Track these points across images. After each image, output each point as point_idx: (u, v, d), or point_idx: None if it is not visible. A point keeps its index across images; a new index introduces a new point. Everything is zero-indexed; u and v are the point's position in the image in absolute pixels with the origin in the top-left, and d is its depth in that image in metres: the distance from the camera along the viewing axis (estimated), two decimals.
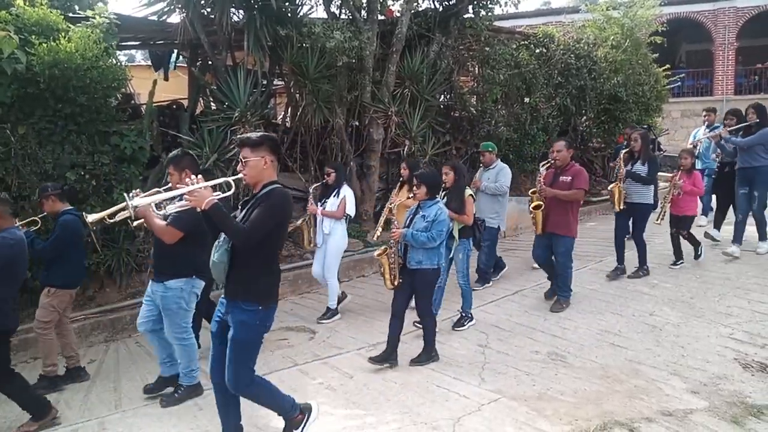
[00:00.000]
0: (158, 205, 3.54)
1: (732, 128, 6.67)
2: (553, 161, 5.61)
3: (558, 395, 3.91)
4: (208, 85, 8.19)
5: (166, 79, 10.26)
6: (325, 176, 6.11)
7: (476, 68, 10.02)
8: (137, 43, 10.23)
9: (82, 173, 6.00)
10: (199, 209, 3.01)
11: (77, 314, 6.08)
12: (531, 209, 5.65)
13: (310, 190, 6.27)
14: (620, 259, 6.46)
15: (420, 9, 9.20)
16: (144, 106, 7.68)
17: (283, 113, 9.92)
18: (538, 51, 10.41)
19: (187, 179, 3.09)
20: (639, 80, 11.76)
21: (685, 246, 6.72)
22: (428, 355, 4.61)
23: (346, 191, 5.99)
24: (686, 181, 6.42)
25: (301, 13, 8.12)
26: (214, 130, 7.01)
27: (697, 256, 6.68)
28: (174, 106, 10.00)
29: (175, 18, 7.84)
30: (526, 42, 10.51)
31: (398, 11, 8.96)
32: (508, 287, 6.49)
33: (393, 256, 4.58)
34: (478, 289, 6.36)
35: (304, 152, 8.52)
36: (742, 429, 3.38)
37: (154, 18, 7.82)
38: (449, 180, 5.23)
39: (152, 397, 4.40)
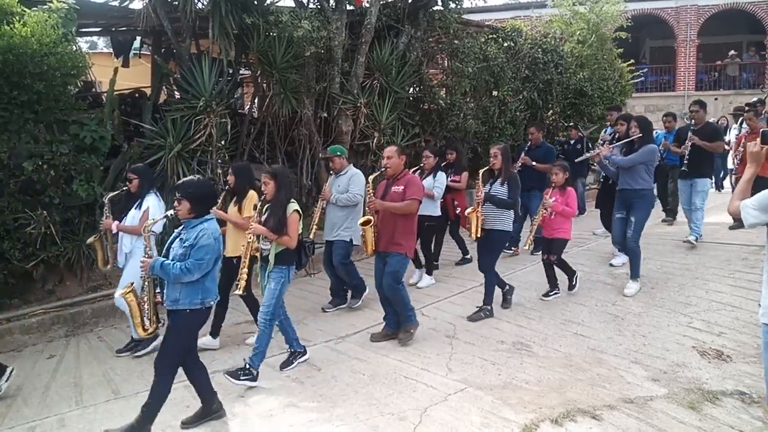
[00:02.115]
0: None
1: (614, 144, 6.03)
2: (384, 169, 4.92)
3: (523, 384, 3.97)
4: (171, 73, 8.00)
5: (125, 65, 9.99)
6: (127, 182, 5.15)
7: (445, 61, 10.05)
8: (98, 29, 9.94)
9: (40, 163, 5.80)
10: None
11: (36, 308, 5.91)
12: (360, 225, 4.98)
13: (105, 200, 5.17)
14: (498, 288, 5.52)
15: (389, 0, 9.17)
16: (105, 95, 7.46)
17: (249, 103, 9.77)
18: (506, 45, 10.50)
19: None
20: (604, 75, 11.98)
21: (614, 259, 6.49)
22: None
23: (151, 201, 5.02)
24: (558, 200, 5.56)
25: (268, 1, 8.00)
26: (178, 119, 6.85)
27: (571, 287, 5.78)
28: (136, 95, 9.77)
29: (138, 4, 7.66)
30: (494, 36, 10.59)
31: (367, 1, 8.90)
32: (475, 279, 6.54)
33: (146, 291, 3.71)
34: (330, 311, 5.83)
35: (272, 143, 8.42)
36: (699, 414, 3.48)
37: (116, 4, 7.60)
38: (269, 191, 4.26)
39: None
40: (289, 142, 8.42)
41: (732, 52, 18.99)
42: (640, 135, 5.69)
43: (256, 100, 8.98)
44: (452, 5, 9.22)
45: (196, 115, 6.82)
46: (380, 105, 8.33)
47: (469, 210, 5.35)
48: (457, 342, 4.80)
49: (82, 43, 12.83)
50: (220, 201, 4.95)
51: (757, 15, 18.64)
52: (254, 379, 4.15)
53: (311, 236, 5.66)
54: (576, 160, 6.63)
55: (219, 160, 7.08)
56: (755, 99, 9.38)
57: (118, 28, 9.66)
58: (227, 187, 5.32)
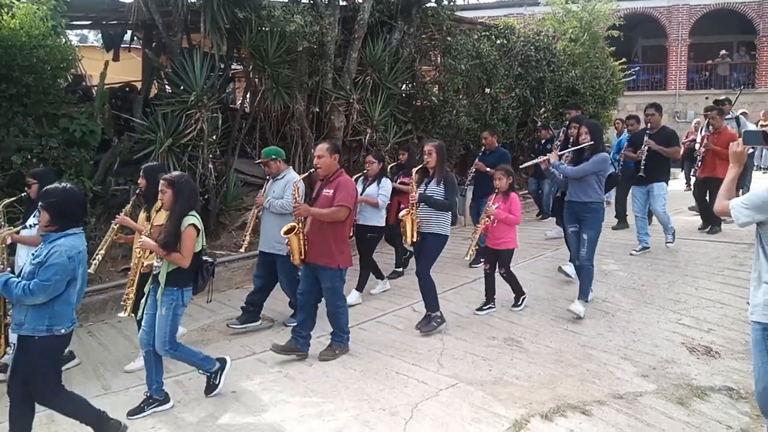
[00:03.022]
0: None
1: (564, 151, 5.55)
2: (314, 169, 4.49)
3: (513, 379, 3.98)
4: (162, 67, 7.95)
5: (115, 59, 9.91)
6: (26, 188, 4.81)
7: (438, 58, 10.03)
8: (88, 22, 9.85)
9: (29, 157, 5.76)
10: None
11: None
12: (283, 234, 4.47)
13: (1, 207, 4.73)
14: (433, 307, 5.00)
15: None
16: (95, 88, 7.39)
17: (241, 98, 9.73)
18: (499, 42, 10.49)
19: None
20: (596, 73, 12.02)
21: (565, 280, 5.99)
22: None
23: None
24: (501, 206, 5.19)
25: None
26: (168, 114, 6.80)
27: (516, 305, 5.37)
28: (127, 89, 9.70)
29: None
30: (487, 33, 10.58)
31: None
32: (467, 275, 6.56)
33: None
34: (291, 324, 5.12)
35: (264, 138, 8.37)
36: (688, 410, 3.51)
37: None
38: (165, 201, 3.81)
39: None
40: (281, 138, 8.38)
41: (723, 51, 19.11)
42: (591, 142, 5.11)
43: (248, 95, 8.94)
44: (445, 2, 9.21)
45: (188, 109, 6.77)
46: (373, 101, 8.31)
47: (402, 213, 4.91)
48: (448, 338, 4.81)
49: (72, 37, 12.73)
50: (129, 206, 4.54)
51: (748, 15, 18.76)
52: (163, 403, 3.86)
53: (243, 248, 5.45)
54: (521, 167, 6.23)
55: (210, 156, 7.05)
56: (723, 98, 8.87)
57: (109, 22, 9.58)
58: (138, 191, 4.84)
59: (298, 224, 4.40)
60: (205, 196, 7.27)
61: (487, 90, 10.28)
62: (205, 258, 4.02)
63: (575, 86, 11.35)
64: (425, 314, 4.97)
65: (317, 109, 8.37)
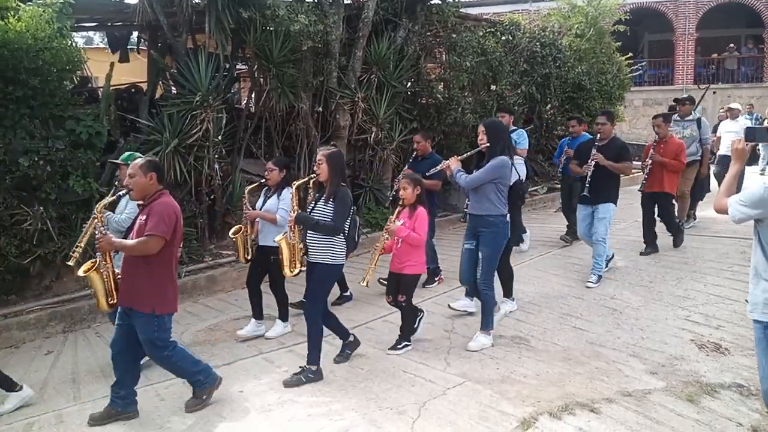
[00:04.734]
0: None
1: (462, 156, 4.74)
2: (128, 191, 3.79)
3: (521, 378, 3.96)
4: (167, 68, 7.96)
5: (121, 60, 9.94)
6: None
7: (443, 55, 10.01)
8: (94, 24, 9.89)
9: (36, 159, 5.76)
10: None
11: (34, 304, 5.90)
12: (82, 273, 3.78)
13: None
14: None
15: None
16: (101, 90, 7.42)
17: (246, 98, 9.74)
18: (504, 38, 10.46)
19: None
20: (602, 69, 11.97)
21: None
22: None
23: None
24: (407, 222, 4.42)
25: None
26: (174, 114, 6.82)
27: (397, 347, 4.50)
28: (132, 90, 9.71)
29: None
30: (492, 29, 10.56)
31: None
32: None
33: None
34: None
35: (269, 138, 8.39)
36: (697, 407, 3.49)
37: None
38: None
39: None
40: (287, 137, 8.39)
41: (730, 45, 18.97)
42: (487, 145, 4.40)
43: (252, 95, 8.95)
44: None
45: (193, 110, 6.78)
46: (378, 99, 8.30)
47: (278, 237, 4.33)
48: (455, 336, 4.80)
49: (78, 39, 12.78)
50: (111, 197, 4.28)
51: (756, 8, 18.62)
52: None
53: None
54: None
55: (216, 156, 7.06)
56: (685, 96, 7.91)
57: (114, 23, 9.61)
58: None
59: (100, 260, 3.76)
60: (211, 197, 7.29)
61: (493, 87, 10.24)
62: None
63: (581, 82, 11.30)
64: (300, 368, 4.15)
65: (321, 109, 8.37)
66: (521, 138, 6.87)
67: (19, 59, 5.44)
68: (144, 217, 3.62)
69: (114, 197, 4.25)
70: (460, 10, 9.87)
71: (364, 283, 4.43)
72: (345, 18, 8.12)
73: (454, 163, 4.53)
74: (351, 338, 4.46)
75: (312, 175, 4.39)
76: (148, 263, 3.59)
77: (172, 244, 3.64)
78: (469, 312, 5.16)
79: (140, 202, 3.77)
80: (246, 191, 5.10)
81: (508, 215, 4.55)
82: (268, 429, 3.55)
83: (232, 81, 8.75)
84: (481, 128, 4.49)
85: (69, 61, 5.88)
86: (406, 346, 4.52)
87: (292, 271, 4.29)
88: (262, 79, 8.08)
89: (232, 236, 5.03)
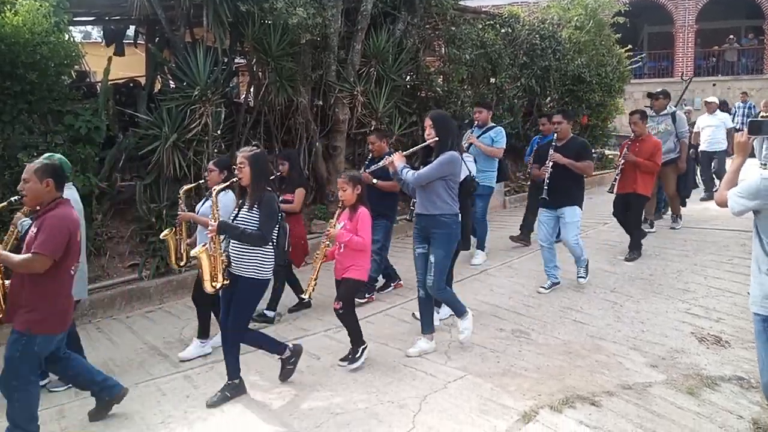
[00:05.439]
0: None
1: (407, 152, 4.38)
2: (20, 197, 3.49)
3: (522, 371, 3.97)
4: (166, 62, 7.93)
5: (119, 54, 9.90)
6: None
7: (442, 48, 9.98)
8: (91, 18, 9.84)
9: (35, 154, 5.73)
10: None
11: None
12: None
13: None
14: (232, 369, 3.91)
15: None
16: (99, 85, 7.39)
17: (245, 92, 9.70)
18: (503, 31, 10.43)
19: None
20: (602, 61, 11.93)
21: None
22: None
23: None
24: (347, 226, 4.09)
25: None
26: (173, 109, 6.79)
27: (352, 359, 4.13)
28: (131, 84, 9.67)
29: None
30: (491, 22, 10.52)
31: None
32: (473, 268, 6.54)
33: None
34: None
35: (268, 132, 8.36)
36: (698, 400, 3.49)
37: None
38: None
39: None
40: (286, 131, 8.37)
41: (730, 36, 18.90)
42: (436, 139, 4.09)
43: (251, 89, 8.92)
44: None
45: (192, 104, 6.75)
46: (377, 93, 8.28)
47: (196, 249, 3.89)
48: (456, 330, 4.79)
49: (76, 33, 12.71)
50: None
51: None
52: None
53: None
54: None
55: (215, 150, 7.03)
56: (659, 90, 7.62)
57: (112, 17, 9.55)
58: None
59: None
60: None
61: (492, 80, 10.22)
62: None
63: (581, 74, 11.28)
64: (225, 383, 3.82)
65: (321, 102, 8.35)
66: (499, 136, 6.46)
67: (17, 54, 5.40)
68: (35, 229, 3.21)
69: (4, 204, 3.85)
70: (459, 2, 9.82)
71: (306, 296, 4.21)
72: (343, 11, 8.07)
73: (398, 159, 4.16)
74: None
75: (201, 181, 4.12)
76: (33, 280, 3.21)
77: (64, 262, 3.23)
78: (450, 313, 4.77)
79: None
80: (181, 192, 4.78)
81: (459, 215, 4.24)
82: (269, 423, 3.55)
83: (230, 75, 8.71)
84: (427, 121, 4.15)
85: (67, 55, 5.84)
86: (363, 350, 4.14)
87: (213, 286, 3.81)
88: (260, 73, 8.04)
89: (162, 237, 4.67)
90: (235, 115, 7.91)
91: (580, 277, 5.58)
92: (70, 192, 4.01)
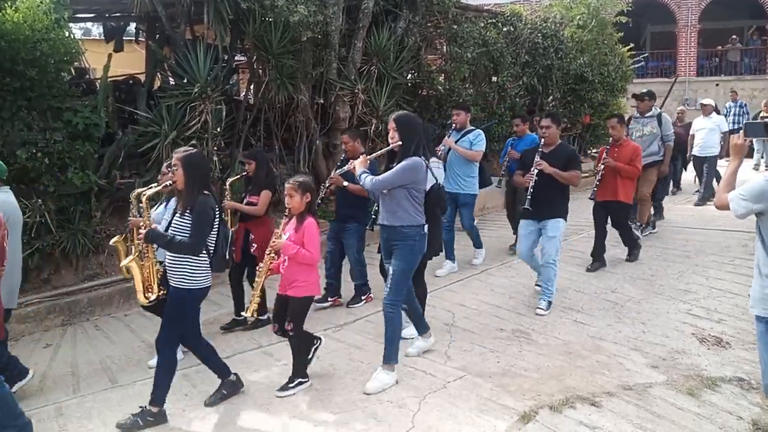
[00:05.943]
0: None
1: (371, 155, 4.09)
2: None
3: (522, 371, 3.95)
4: (166, 59, 7.90)
5: (118, 50, 9.87)
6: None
7: (444, 46, 9.94)
8: (92, 15, 9.82)
9: (34, 151, 5.73)
10: None
11: (32, 297, 5.87)
12: None
13: None
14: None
15: None
16: (99, 81, 7.37)
17: (245, 90, 9.68)
18: (505, 29, 10.39)
19: None
20: (604, 60, 11.89)
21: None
22: None
23: None
24: (292, 237, 3.75)
25: None
26: (173, 106, 6.77)
27: (287, 386, 3.81)
28: (130, 81, 9.66)
29: None
30: (493, 20, 10.48)
31: None
32: (473, 268, 6.51)
33: None
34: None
35: (268, 130, 8.34)
36: (698, 400, 3.47)
37: None
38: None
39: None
40: (286, 129, 8.34)
41: (733, 36, 18.84)
42: (399, 143, 3.74)
43: (252, 87, 8.89)
44: None
45: (192, 101, 6.73)
46: (378, 91, 8.25)
47: (127, 260, 3.76)
48: (456, 330, 4.78)
49: (76, 30, 12.71)
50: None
51: None
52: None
53: None
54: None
55: (215, 148, 7.01)
56: (644, 90, 7.31)
57: (112, 14, 9.54)
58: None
59: None
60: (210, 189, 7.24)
61: (494, 78, 10.19)
62: None
63: (583, 73, 11.24)
64: (140, 408, 3.56)
65: (321, 100, 8.32)
66: (478, 139, 6.08)
67: (17, 50, 5.39)
68: None
69: None
70: (461, 0, 9.79)
71: (248, 314, 3.91)
72: (345, 8, 8.05)
73: (359, 164, 3.84)
74: (232, 377, 3.79)
75: (151, 186, 3.88)
76: None
77: None
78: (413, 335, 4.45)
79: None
80: (131, 196, 4.20)
81: (426, 226, 3.91)
82: (267, 423, 3.54)
83: (231, 72, 8.69)
84: (391, 123, 3.78)
85: (66, 52, 5.83)
86: (301, 383, 3.81)
87: (147, 297, 3.61)
88: (261, 71, 8.02)
89: (111, 244, 4.43)
90: (235, 112, 7.88)
91: (539, 308, 4.95)
92: (6, 195, 3.99)
